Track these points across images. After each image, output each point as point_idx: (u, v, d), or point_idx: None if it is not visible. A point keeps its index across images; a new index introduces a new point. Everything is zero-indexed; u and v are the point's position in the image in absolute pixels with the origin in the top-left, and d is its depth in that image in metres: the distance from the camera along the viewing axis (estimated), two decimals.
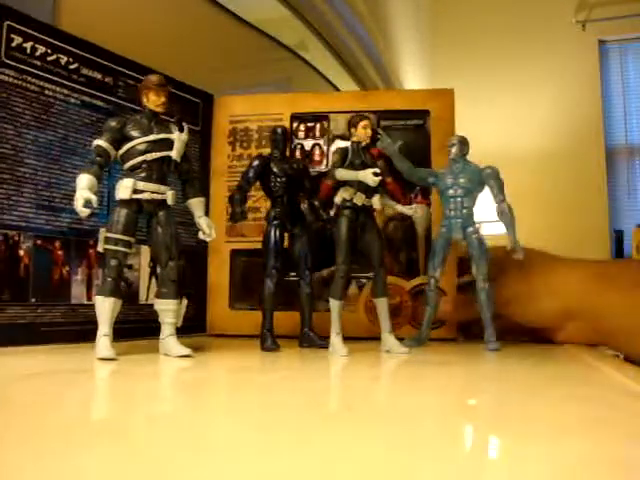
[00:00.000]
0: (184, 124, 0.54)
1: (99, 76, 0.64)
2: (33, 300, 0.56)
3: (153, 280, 0.54)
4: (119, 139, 0.51)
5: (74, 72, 0.61)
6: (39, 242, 0.57)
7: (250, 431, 0.25)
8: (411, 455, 0.21)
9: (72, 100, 0.61)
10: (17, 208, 0.56)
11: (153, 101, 0.52)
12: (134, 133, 0.51)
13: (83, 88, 0.62)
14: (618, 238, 2.79)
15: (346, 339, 0.56)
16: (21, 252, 0.56)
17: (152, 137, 0.51)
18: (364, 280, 0.73)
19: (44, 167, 0.58)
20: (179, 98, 0.74)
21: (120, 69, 0.66)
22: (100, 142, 0.50)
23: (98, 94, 0.64)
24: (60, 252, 0.59)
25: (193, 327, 0.73)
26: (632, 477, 0.20)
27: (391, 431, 0.25)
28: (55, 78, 0.59)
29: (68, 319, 0.58)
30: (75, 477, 0.18)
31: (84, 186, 0.48)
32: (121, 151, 0.51)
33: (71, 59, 0.61)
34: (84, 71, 0.62)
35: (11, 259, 0.55)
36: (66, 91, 0.60)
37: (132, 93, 0.65)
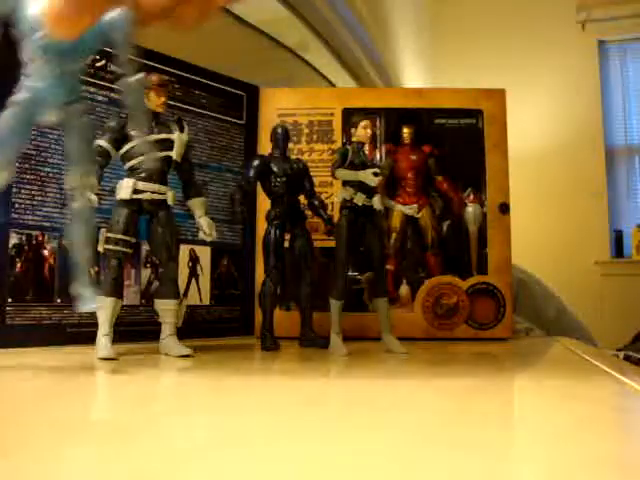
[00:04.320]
0: (184, 124, 0.54)
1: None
2: (58, 301, 0.56)
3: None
4: (120, 139, 0.51)
5: (101, 69, 0.61)
6: (65, 242, 0.57)
7: (249, 430, 0.25)
8: (410, 454, 0.21)
9: (99, 97, 0.61)
10: (41, 208, 0.56)
11: (153, 101, 0.52)
12: (134, 133, 0.51)
13: (111, 85, 0.62)
14: (618, 238, 2.79)
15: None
16: (45, 252, 0.56)
17: (152, 137, 0.51)
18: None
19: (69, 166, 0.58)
20: (222, 91, 0.73)
21: (152, 64, 0.65)
22: (101, 142, 0.50)
23: None
24: None
25: (239, 329, 0.73)
26: (631, 477, 0.20)
27: (390, 430, 0.25)
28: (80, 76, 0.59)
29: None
30: (75, 476, 0.18)
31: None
32: (122, 151, 0.51)
33: (97, 56, 0.61)
34: (112, 67, 0.62)
35: (35, 259, 0.55)
36: (92, 89, 0.60)
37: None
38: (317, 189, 0.65)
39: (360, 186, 0.57)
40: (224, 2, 0.37)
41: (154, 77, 0.52)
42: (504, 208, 0.73)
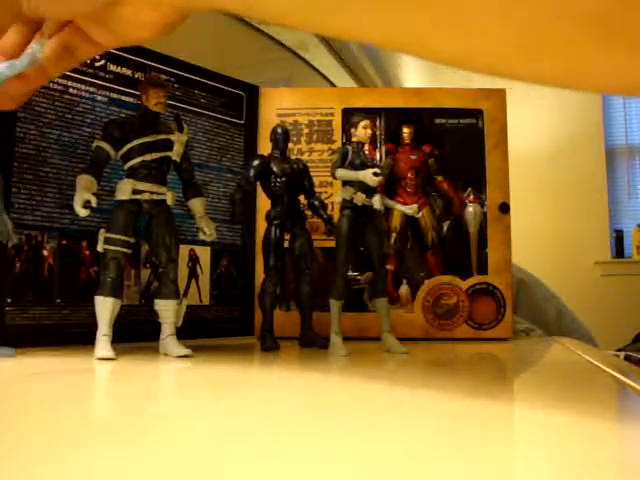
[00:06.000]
0: (183, 124, 0.54)
1: (129, 72, 0.63)
2: (58, 301, 0.56)
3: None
4: (119, 139, 0.51)
5: (101, 69, 0.61)
6: (64, 242, 0.57)
7: (249, 431, 0.25)
8: (409, 454, 0.21)
9: (99, 97, 0.61)
10: (40, 208, 0.56)
11: (152, 101, 0.52)
12: (133, 133, 0.51)
13: (111, 85, 0.62)
14: (618, 238, 2.79)
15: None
16: (45, 252, 0.56)
17: (151, 137, 0.51)
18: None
19: (69, 166, 0.57)
20: (222, 91, 0.73)
21: (152, 64, 0.65)
22: (100, 143, 0.50)
23: (128, 90, 0.63)
24: (87, 252, 0.58)
25: (239, 329, 0.72)
26: (631, 477, 0.20)
27: (390, 430, 0.25)
28: (80, 76, 0.59)
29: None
30: (74, 477, 0.18)
31: (83, 186, 0.48)
32: (121, 151, 0.51)
33: (97, 56, 0.60)
34: (112, 67, 0.62)
35: (34, 259, 0.55)
36: (92, 89, 0.60)
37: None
38: (317, 189, 0.65)
39: (360, 186, 0.57)
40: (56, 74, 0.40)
41: (153, 76, 0.52)
42: (504, 208, 0.73)
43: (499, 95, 0.75)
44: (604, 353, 0.61)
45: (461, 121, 0.76)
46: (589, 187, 2.79)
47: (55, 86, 0.57)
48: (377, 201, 0.58)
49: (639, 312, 2.20)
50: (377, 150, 0.77)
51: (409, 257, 0.76)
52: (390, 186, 0.75)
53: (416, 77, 2.82)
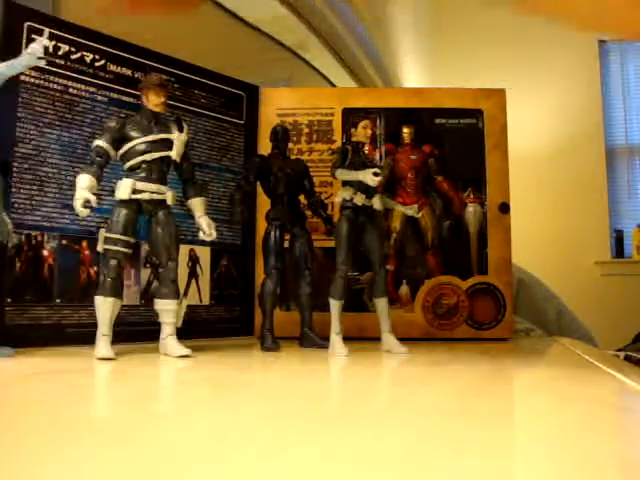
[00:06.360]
0: (183, 124, 0.54)
1: (129, 72, 0.63)
2: (58, 301, 0.56)
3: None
4: (119, 139, 0.51)
5: (100, 69, 0.61)
6: (64, 242, 0.57)
7: (249, 430, 0.25)
8: (410, 454, 0.21)
9: (99, 97, 0.61)
10: (40, 208, 0.56)
11: (152, 101, 0.52)
12: (134, 133, 0.51)
13: (111, 85, 0.62)
14: (618, 238, 2.79)
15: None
16: (45, 252, 0.56)
17: (151, 137, 0.51)
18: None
19: (68, 166, 0.58)
20: (222, 91, 0.73)
21: (152, 64, 0.66)
22: (100, 142, 0.50)
23: (128, 90, 0.63)
24: (87, 252, 0.59)
25: (239, 329, 0.73)
26: (631, 477, 0.20)
27: (391, 430, 0.25)
28: (80, 76, 0.59)
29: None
30: (75, 476, 0.18)
31: (83, 186, 0.48)
32: (121, 151, 0.51)
33: (97, 56, 0.61)
34: (111, 68, 0.62)
35: (34, 259, 0.55)
36: (92, 89, 0.60)
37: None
38: (317, 189, 0.65)
39: (360, 186, 0.57)
40: None
41: (153, 77, 0.52)
42: (504, 208, 0.73)
43: (499, 95, 0.75)
44: (604, 353, 0.61)
45: (461, 121, 0.76)
46: (589, 187, 2.79)
47: (55, 86, 0.57)
48: (377, 201, 0.58)
49: (639, 312, 2.20)
50: (377, 150, 0.77)
51: (409, 257, 0.75)
52: (390, 186, 0.75)
53: (416, 77, 2.82)
